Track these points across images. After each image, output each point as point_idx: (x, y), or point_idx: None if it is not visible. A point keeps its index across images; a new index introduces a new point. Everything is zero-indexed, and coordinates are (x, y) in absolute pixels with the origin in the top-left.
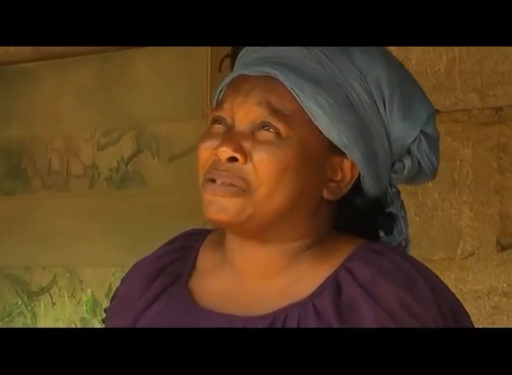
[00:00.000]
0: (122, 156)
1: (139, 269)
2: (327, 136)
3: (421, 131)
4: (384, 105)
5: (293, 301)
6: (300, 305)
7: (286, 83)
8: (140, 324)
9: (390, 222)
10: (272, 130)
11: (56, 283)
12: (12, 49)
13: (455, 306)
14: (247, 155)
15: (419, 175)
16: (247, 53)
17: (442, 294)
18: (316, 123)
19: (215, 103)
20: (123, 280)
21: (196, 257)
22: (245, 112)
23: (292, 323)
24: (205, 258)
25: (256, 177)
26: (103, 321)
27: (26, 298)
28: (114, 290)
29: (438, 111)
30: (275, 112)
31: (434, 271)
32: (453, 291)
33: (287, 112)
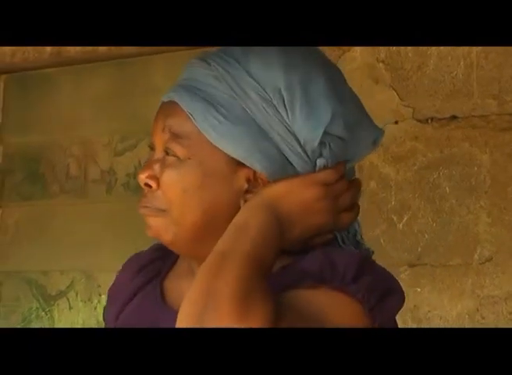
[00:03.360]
0: (140, 162)
1: (130, 261)
2: (225, 152)
3: (328, 133)
4: (285, 108)
5: None
6: None
7: (182, 107)
8: (121, 317)
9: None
10: (172, 154)
11: (73, 287)
12: (31, 55)
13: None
14: (158, 181)
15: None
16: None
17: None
18: (212, 142)
19: None
20: (122, 268)
21: (177, 258)
22: (157, 139)
23: None
24: (183, 261)
25: (166, 200)
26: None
27: (43, 302)
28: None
29: (455, 116)
30: (174, 136)
31: (451, 276)
32: (471, 296)
33: (185, 134)
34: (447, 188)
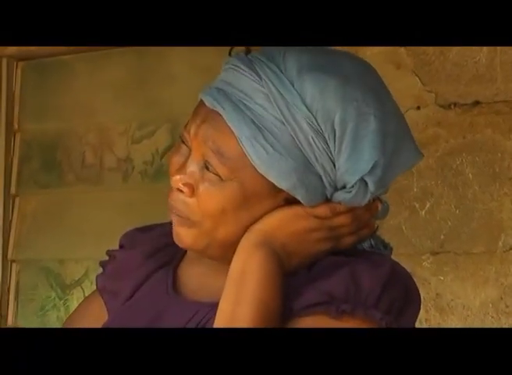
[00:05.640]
0: (157, 149)
1: (138, 242)
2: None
3: (364, 180)
4: (334, 143)
5: None
6: None
7: (229, 125)
8: (129, 304)
9: None
10: (213, 171)
11: (88, 276)
12: None
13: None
14: (194, 189)
15: None
16: (224, 66)
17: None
18: (257, 168)
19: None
20: (124, 247)
21: None
22: (196, 145)
23: None
24: None
25: (199, 211)
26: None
27: (60, 291)
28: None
29: (478, 102)
30: (218, 153)
31: (474, 264)
32: (494, 284)
33: (230, 154)
34: (470, 175)
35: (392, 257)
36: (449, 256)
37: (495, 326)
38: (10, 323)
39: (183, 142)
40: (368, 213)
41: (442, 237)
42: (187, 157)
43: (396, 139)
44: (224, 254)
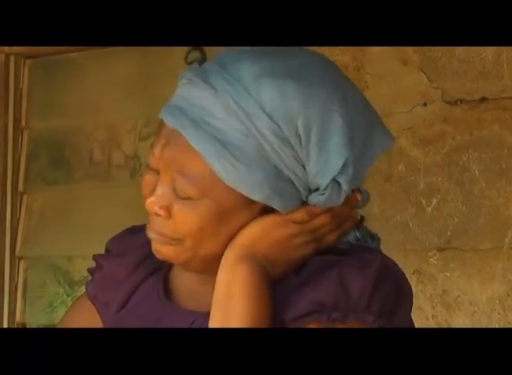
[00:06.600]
0: None
1: (127, 249)
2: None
3: (335, 180)
4: (301, 147)
5: None
6: None
7: (192, 144)
8: (121, 314)
9: None
10: (182, 194)
11: None
12: None
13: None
14: (170, 211)
15: None
16: (181, 81)
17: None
18: (227, 184)
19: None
20: (111, 252)
21: None
22: (163, 167)
23: None
24: None
25: (179, 232)
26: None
27: (68, 287)
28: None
29: (485, 98)
30: (185, 175)
31: (481, 261)
32: (501, 281)
33: (198, 173)
34: (477, 171)
35: (400, 253)
36: (455, 252)
37: (501, 322)
38: (18, 319)
39: (151, 164)
40: (348, 207)
41: (448, 233)
42: (157, 179)
43: (365, 129)
44: (207, 267)
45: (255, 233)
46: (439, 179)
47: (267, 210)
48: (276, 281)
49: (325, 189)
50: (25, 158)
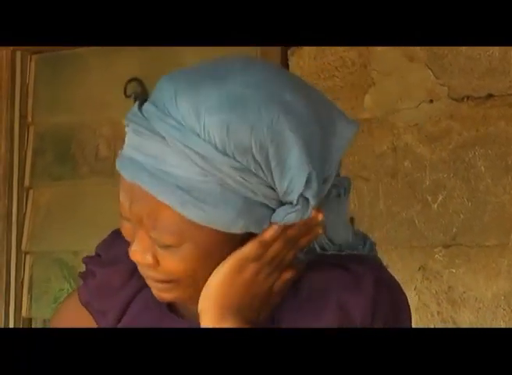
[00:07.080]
0: None
1: (118, 254)
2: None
3: (303, 196)
4: (263, 171)
5: None
6: None
7: (157, 197)
8: (127, 318)
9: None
10: (161, 245)
11: None
12: None
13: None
14: (156, 259)
15: None
16: (127, 127)
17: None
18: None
19: None
20: (101, 257)
21: None
22: (136, 222)
23: None
24: None
25: (171, 275)
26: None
27: (73, 283)
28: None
29: (491, 95)
30: (158, 229)
31: (487, 257)
32: (506, 277)
33: (170, 223)
34: (483, 168)
35: (405, 250)
36: (461, 249)
37: (507, 318)
38: (24, 314)
39: (124, 214)
40: (304, 225)
41: (454, 230)
42: (134, 231)
43: (324, 128)
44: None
45: (220, 288)
46: (445, 175)
47: (249, 235)
48: (262, 313)
49: (296, 204)
50: (31, 154)
